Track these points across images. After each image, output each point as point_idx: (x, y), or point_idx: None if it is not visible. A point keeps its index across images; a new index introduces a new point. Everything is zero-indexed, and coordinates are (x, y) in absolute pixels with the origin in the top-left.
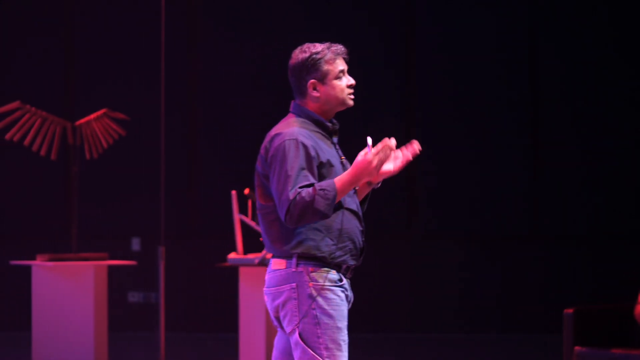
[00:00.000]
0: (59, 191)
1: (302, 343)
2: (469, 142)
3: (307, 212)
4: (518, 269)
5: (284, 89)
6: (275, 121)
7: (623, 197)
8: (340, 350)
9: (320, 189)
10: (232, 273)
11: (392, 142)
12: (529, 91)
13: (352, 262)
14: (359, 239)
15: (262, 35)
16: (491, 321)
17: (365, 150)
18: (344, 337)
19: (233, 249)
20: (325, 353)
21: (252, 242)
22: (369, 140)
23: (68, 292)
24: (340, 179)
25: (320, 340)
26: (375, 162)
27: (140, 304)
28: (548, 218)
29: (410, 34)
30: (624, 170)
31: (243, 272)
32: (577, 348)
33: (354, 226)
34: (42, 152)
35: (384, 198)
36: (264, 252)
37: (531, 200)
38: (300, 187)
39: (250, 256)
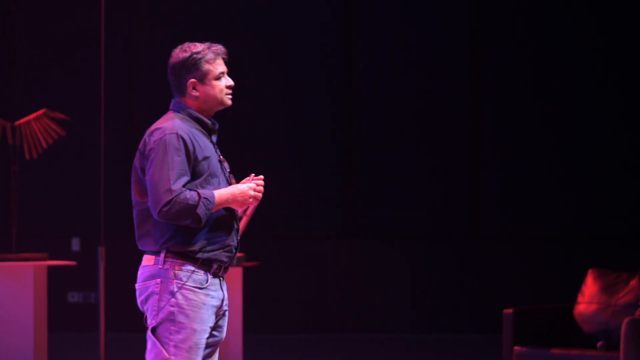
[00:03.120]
0: None
1: (153, 336)
2: (408, 140)
3: (186, 214)
4: (458, 269)
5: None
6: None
7: (564, 198)
8: (189, 352)
9: (205, 198)
10: None
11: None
12: (470, 91)
13: (225, 259)
14: (234, 237)
15: (203, 38)
16: (431, 321)
17: (248, 179)
18: (197, 340)
19: None
20: (172, 350)
21: None
22: (252, 177)
23: (7, 292)
24: (219, 194)
25: (171, 337)
26: (252, 195)
27: (80, 304)
28: (488, 218)
29: (350, 35)
30: (565, 172)
31: None
32: (516, 348)
33: (228, 222)
34: None
35: (320, 199)
36: None
37: (472, 201)
38: (183, 186)
39: None
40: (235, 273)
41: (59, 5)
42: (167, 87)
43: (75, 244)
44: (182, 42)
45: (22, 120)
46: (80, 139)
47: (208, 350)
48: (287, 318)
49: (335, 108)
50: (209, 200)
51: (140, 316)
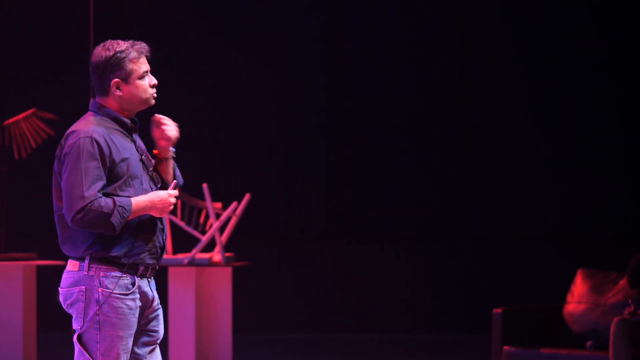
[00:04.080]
0: None
1: (79, 345)
2: (396, 139)
3: (100, 222)
4: (447, 269)
5: (212, 88)
6: (202, 118)
7: (552, 197)
8: (116, 359)
9: (120, 206)
10: (161, 273)
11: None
12: (459, 90)
13: (150, 261)
14: (159, 237)
15: (193, 36)
16: (420, 321)
17: (171, 187)
18: (124, 346)
19: None
20: (100, 359)
21: (181, 242)
22: (174, 184)
23: None
24: (137, 202)
25: (98, 345)
26: (172, 202)
27: None
28: (477, 218)
29: (338, 32)
30: (552, 170)
31: (172, 272)
32: (505, 348)
33: (152, 224)
34: None
35: (306, 199)
36: (193, 252)
37: (460, 200)
38: (98, 191)
39: (180, 256)
40: (225, 273)
41: (48, 3)
42: (157, 86)
43: None
44: (171, 40)
45: (10, 120)
46: None
47: (147, 349)
48: (280, 318)
49: (326, 108)
50: (125, 209)
51: None
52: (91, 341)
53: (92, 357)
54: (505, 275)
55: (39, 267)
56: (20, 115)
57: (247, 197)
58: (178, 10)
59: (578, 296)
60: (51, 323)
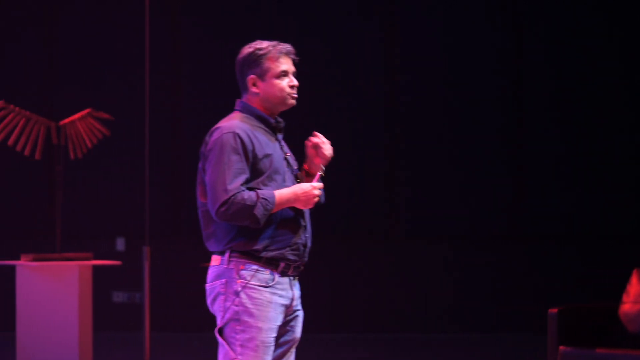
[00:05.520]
0: (43, 191)
1: (220, 337)
2: (450, 141)
3: (244, 214)
4: (501, 269)
5: None
6: None
7: (606, 196)
8: (255, 351)
9: (263, 198)
10: None
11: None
12: (512, 90)
13: (292, 257)
14: (301, 234)
15: (246, 34)
16: (475, 321)
17: (315, 179)
18: (264, 338)
19: None
20: (239, 349)
21: None
22: (318, 176)
23: (52, 292)
24: (280, 194)
25: (237, 336)
26: (317, 194)
27: (125, 304)
28: (531, 218)
29: (394, 31)
30: (607, 170)
31: None
32: (561, 348)
33: (294, 220)
34: (27, 152)
35: (364, 199)
36: None
37: (514, 200)
38: (242, 185)
39: None
40: None
41: (102, 4)
42: (212, 85)
43: (120, 244)
44: (225, 39)
45: (66, 120)
46: (125, 139)
47: (280, 350)
48: (334, 317)
49: (383, 111)
50: (268, 201)
51: (186, 317)
52: (231, 333)
53: (232, 349)
54: (561, 275)
55: (94, 267)
56: (76, 116)
57: None
58: (231, 11)
59: (634, 296)
60: (107, 322)
